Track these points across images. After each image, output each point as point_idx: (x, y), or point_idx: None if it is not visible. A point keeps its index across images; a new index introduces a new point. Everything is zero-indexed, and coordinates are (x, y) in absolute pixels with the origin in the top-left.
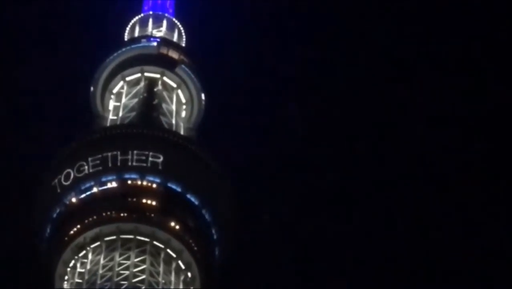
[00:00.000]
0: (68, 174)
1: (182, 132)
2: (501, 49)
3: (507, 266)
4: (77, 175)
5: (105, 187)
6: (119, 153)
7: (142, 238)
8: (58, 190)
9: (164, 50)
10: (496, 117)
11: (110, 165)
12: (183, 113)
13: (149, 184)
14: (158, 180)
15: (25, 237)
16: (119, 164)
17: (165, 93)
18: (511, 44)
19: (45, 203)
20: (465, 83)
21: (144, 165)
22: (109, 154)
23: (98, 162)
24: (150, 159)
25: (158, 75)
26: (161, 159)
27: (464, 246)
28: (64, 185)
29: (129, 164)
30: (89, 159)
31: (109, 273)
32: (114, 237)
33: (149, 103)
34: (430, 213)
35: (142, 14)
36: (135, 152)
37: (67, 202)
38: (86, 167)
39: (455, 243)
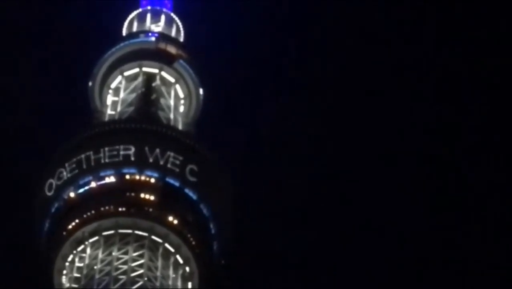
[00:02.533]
0: (51, 184)
1: (180, 127)
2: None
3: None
4: (58, 182)
5: (103, 182)
6: (92, 152)
7: (141, 233)
8: (45, 202)
9: (162, 45)
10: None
11: (85, 166)
12: (181, 108)
13: (148, 179)
14: (156, 175)
15: (24, 231)
16: (93, 163)
17: (163, 88)
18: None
19: (37, 213)
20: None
21: (117, 159)
22: (83, 156)
23: (74, 165)
24: (122, 152)
25: (156, 70)
26: (133, 150)
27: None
28: (48, 195)
29: (102, 161)
30: (66, 164)
31: (107, 268)
32: (112, 232)
33: (147, 98)
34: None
35: (140, 9)
36: (106, 148)
37: (66, 197)
38: (64, 173)
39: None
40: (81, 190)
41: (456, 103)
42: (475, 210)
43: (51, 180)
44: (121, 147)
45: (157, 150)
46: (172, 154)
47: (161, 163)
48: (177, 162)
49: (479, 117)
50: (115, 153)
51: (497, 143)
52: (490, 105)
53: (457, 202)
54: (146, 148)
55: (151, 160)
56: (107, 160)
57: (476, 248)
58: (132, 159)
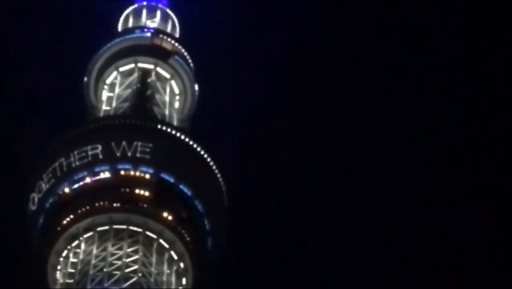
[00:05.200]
0: (33, 198)
1: (175, 122)
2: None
3: None
4: (39, 195)
5: (98, 177)
6: (63, 159)
7: (135, 228)
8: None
9: (157, 41)
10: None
11: (59, 174)
12: (177, 104)
13: (142, 174)
14: (151, 171)
15: (18, 227)
16: (65, 169)
17: (158, 84)
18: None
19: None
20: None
21: (86, 160)
22: (57, 164)
23: (50, 175)
24: (90, 152)
25: (151, 66)
26: (100, 148)
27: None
28: (33, 210)
29: (73, 165)
30: (44, 176)
31: (102, 263)
32: (107, 227)
33: (143, 94)
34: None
35: (136, 5)
36: (75, 152)
37: (60, 192)
38: (43, 185)
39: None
40: (75, 186)
41: (451, 103)
42: (473, 210)
43: (33, 194)
44: (89, 147)
45: (124, 143)
46: (139, 143)
47: (129, 154)
48: (147, 150)
49: (477, 118)
50: (84, 154)
51: (496, 143)
52: (487, 105)
53: (454, 203)
54: (113, 143)
55: (118, 154)
56: (77, 163)
57: (474, 248)
58: (100, 157)
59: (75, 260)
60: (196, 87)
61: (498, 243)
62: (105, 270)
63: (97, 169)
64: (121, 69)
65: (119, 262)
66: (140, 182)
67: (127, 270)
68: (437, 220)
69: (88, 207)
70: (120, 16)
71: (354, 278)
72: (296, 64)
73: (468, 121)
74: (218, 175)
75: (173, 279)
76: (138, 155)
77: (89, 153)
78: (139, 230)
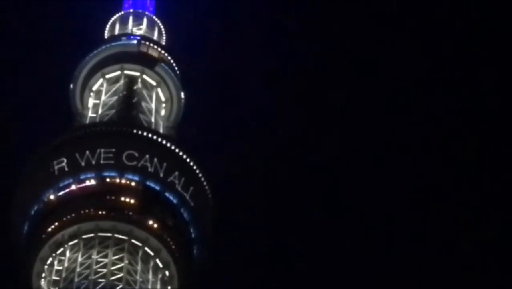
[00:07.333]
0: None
1: (161, 130)
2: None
3: None
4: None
5: (83, 185)
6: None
7: (120, 236)
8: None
9: (144, 48)
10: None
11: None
12: (163, 112)
13: (128, 182)
14: (136, 178)
15: (3, 234)
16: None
17: (144, 92)
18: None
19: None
20: None
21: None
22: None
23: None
24: (56, 166)
25: (138, 73)
26: (65, 160)
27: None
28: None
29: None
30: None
31: (87, 271)
32: (92, 235)
33: (129, 101)
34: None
35: (122, 12)
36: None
37: (45, 199)
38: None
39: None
40: (61, 193)
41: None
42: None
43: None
44: (55, 162)
45: (87, 152)
46: (102, 150)
47: (93, 162)
48: (110, 155)
49: (474, 121)
50: (51, 170)
51: (497, 144)
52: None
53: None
54: (77, 154)
55: (83, 164)
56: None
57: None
58: (66, 169)
59: (60, 268)
60: (182, 94)
61: (499, 243)
62: (90, 277)
63: (82, 176)
64: (107, 76)
65: (104, 270)
66: (126, 189)
67: (112, 278)
68: (438, 221)
69: (73, 214)
70: (106, 23)
71: (348, 283)
72: (287, 70)
73: (469, 122)
74: (204, 182)
75: (158, 287)
76: (102, 162)
77: (56, 167)
78: (125, 237)
